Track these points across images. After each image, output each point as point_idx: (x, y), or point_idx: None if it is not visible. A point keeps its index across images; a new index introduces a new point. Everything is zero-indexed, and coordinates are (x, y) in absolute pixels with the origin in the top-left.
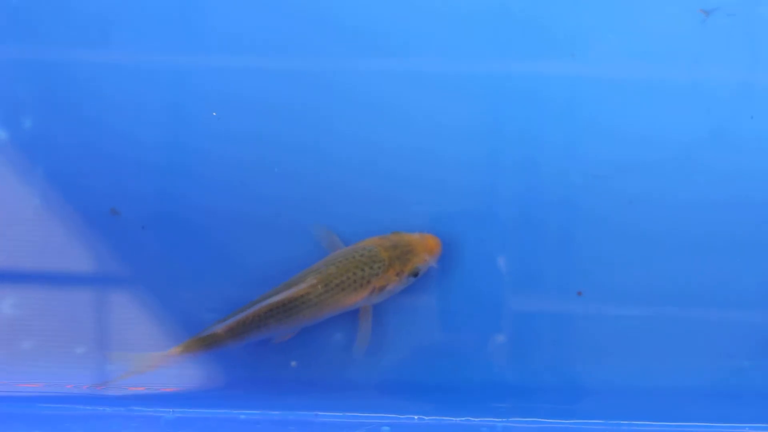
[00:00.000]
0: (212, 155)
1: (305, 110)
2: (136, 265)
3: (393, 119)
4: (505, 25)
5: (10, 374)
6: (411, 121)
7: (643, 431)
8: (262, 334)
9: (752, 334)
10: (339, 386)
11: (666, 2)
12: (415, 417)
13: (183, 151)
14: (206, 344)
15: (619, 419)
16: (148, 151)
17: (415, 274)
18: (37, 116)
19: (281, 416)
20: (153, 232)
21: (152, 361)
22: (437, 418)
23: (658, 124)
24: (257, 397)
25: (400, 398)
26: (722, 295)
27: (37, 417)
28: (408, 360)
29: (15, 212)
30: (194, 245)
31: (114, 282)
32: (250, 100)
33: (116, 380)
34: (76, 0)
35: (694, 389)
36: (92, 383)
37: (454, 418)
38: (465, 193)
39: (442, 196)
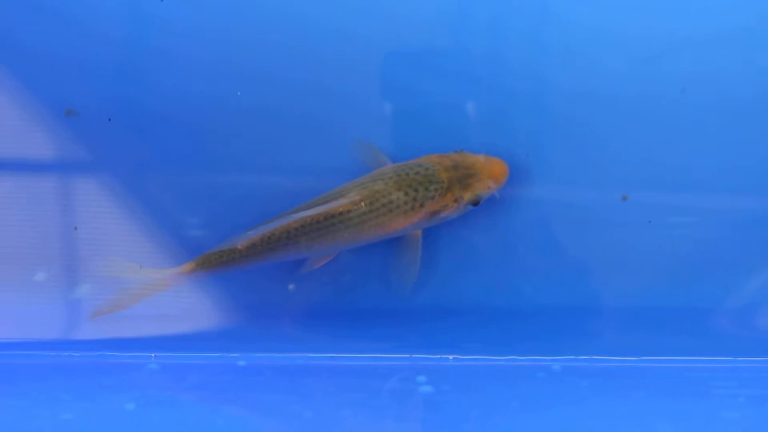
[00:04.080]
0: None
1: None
2: (104, 165)
3: None
4: None
5: None
6: None
7: None
8: (289, 253)
9: None
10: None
11: None
12: (450, 357)
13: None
14: (223, 261)
15: None
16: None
17: (476, 203)
18: None
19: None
20: (124, 130)
21: (159, 281)
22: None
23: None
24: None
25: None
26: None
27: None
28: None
29: None
30: (175, 138)
31: (81, 187)
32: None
33: (109, 311)
34: None
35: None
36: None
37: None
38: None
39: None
